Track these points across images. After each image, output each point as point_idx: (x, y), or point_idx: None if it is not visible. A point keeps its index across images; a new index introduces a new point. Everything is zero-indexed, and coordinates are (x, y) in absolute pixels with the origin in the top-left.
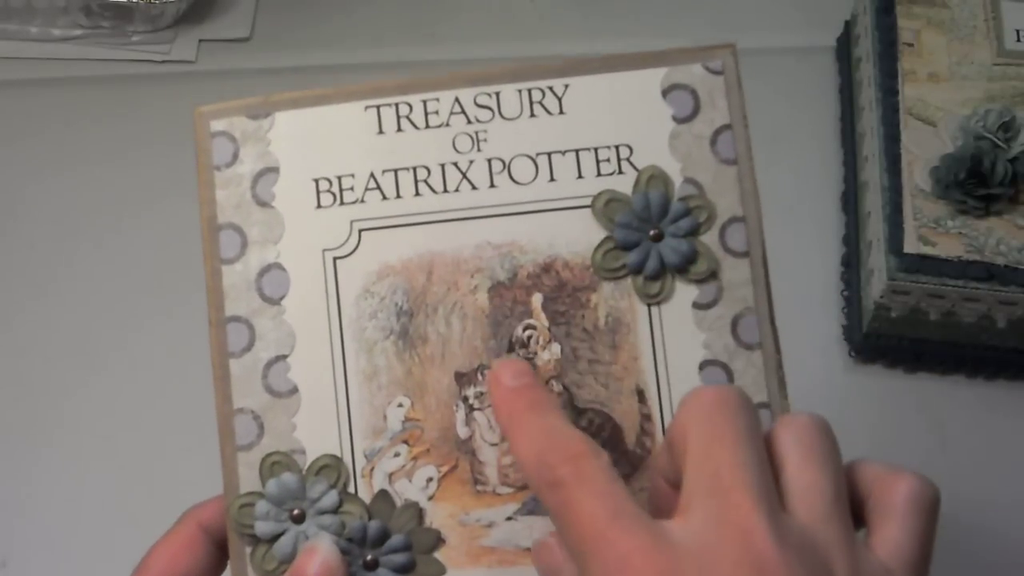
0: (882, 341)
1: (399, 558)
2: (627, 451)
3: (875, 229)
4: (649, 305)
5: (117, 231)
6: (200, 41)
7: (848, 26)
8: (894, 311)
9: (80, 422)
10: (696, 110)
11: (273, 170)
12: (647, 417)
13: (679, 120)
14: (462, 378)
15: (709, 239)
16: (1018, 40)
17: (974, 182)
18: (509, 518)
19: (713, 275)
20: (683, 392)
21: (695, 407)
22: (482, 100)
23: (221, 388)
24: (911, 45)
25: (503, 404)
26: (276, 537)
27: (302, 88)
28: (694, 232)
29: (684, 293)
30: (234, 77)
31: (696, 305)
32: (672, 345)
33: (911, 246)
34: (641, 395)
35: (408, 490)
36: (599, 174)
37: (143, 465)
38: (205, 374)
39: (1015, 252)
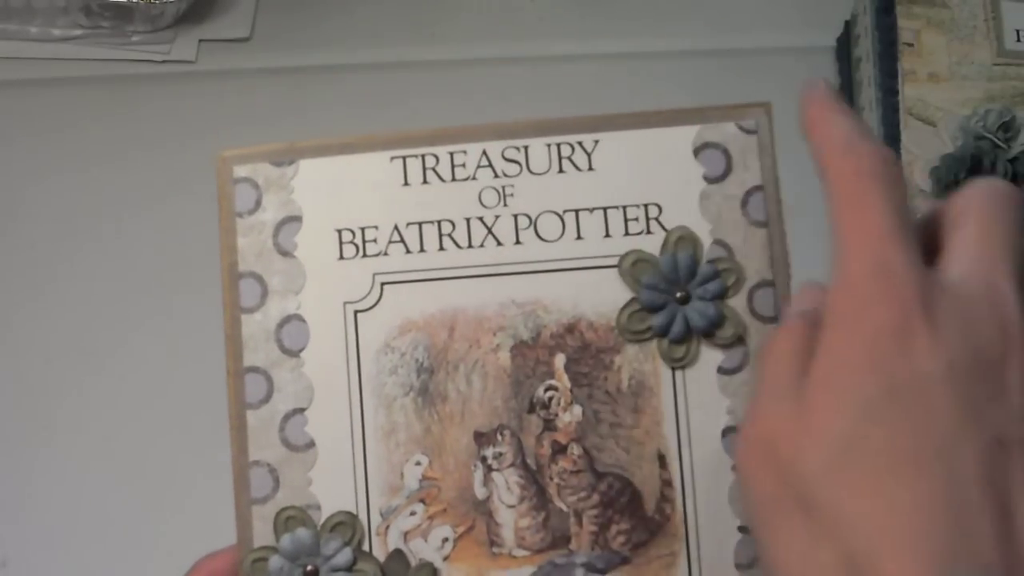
0: None
1: None
2: (646, 517)
3: None
4: (674, 369)
5: (117, 231)
6: (200, 41)
7: (848, 26)
8: None
9: (80, 422)
10: (728, 170)
11: (296, 219)
12: (667, 483)
13: (710, 180)
14: (481, 438)
15: (737, 303)
16: (1018, 40)
17: None
18: None
19: (740, 340)
20: (705, 459)
21: (982, 190)
22: (510, 154)
23: (237, 439)
24: (911, 45)
25: (812, 100)
26: None
27: (303, 88)
28: (722, 295)
29: (709, 358)
30: (234, 77)
31: (721, 370)
32: (696, 410)
33: None
34: (662, 460)
35: (423, 550)
36: (627, 233)
37: (143, 465)
38: (204, 374)
39: None
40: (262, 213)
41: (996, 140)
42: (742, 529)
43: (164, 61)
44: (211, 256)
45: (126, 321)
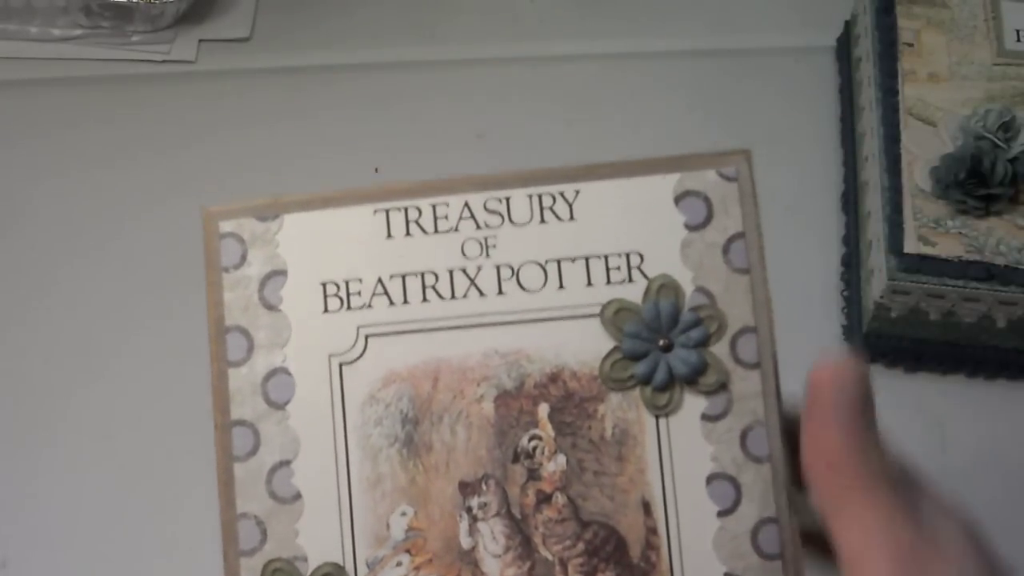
0: (882, 341)
1: None
2: (631, 565)
3: (875, 229)
4: (657, 416)
5: (117, 231)
6: (200, 41)
7: (848, 26)
8: (894, 311)
9: (80, 422)
10: (709, 218)
11: (281, 273)
12: (652, 530)
13: (691, 228)
14: (466, 488)
15: (719, 350)
16: (1018, 40)
17: (974, 182)
18: None
19: (723, 387)
20: (690, 506)
21: None
22: (492, 205)
23: (225, 492)
24: (911, 45)
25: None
26: None
27: (303, 88)
28: (704, 343)
29: (693, 405)
30: (234, 77)
31: (705, 417)
32: (680, 457)
33: (911, 246)
34: (647, 508)
35: None
36: (609, 282)
37: (143, 465)
38: (204, 377)
39: (1015, 252)
40: (247, 268)
41: (996, 140)
42: None
43: (164, 61)
44: None
45: (126, 321)
